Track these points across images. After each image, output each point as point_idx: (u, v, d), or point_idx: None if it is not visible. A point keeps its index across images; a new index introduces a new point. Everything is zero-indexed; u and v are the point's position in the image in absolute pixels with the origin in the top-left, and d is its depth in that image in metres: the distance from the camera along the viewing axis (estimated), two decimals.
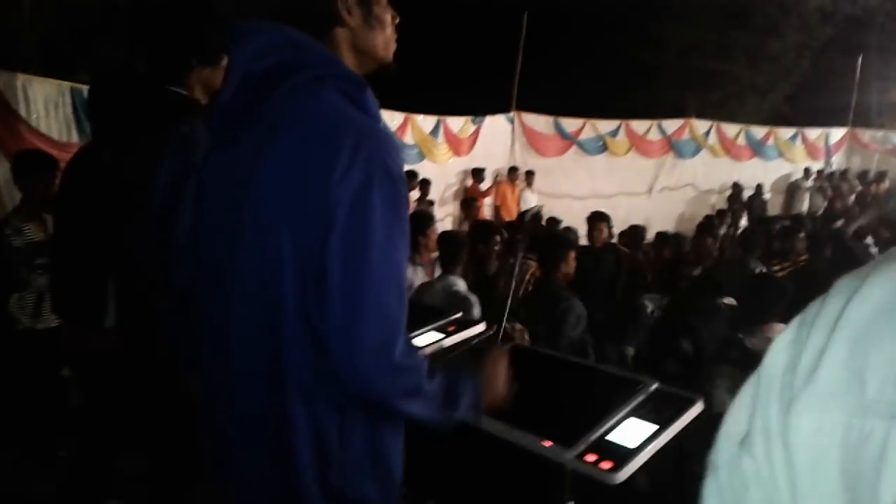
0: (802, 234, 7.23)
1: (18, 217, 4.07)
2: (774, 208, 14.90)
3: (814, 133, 16.49)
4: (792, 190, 15.54)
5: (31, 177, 3.99)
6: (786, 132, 16.13)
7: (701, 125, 14.67)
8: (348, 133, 1.27)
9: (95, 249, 2.75)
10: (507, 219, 11.31)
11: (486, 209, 11.48)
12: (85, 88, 5.57)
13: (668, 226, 12.13)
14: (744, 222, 13.12)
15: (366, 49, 1.46)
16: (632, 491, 1.96)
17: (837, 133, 17.00)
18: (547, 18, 13.30)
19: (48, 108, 5.89)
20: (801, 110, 17.62)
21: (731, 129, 15.22)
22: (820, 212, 14.18)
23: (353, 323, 1.23)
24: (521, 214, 8.71)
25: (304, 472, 1.30)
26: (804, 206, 14.93)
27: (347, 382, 1.27)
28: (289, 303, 1.27)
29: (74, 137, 5.92)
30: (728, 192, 14.49)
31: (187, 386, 1.60)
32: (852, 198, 15.12)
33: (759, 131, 15.74)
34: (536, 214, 8.89)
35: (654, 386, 1.97)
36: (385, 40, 1.48)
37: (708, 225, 7.62)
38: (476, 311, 4.14)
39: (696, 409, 1.86)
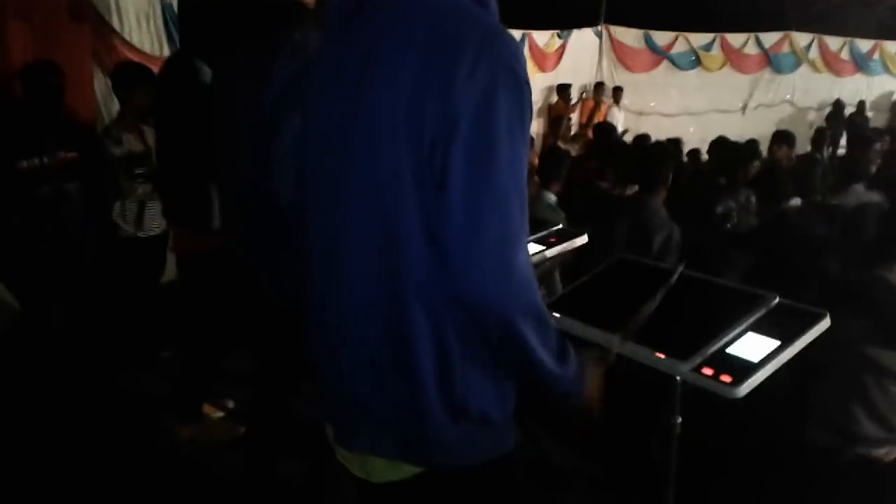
0: (878, 146, 6.73)
1: (118, 128, 4.16)
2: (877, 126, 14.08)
3: None
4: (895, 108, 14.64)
5: (130, 88, 4.07)
6: (893, 46, 15.07)
7: (802, 38, 13.81)
8: (473, 30, 1.20)
9: (199, 157, 2.77)
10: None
11: (573, 127, 11.23)
12: (175, 1, 5.55)
13: (764, 144, 11.64)
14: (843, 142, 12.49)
15: None
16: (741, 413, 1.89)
17: None
18: None
19: (140, 20, 5.89)
20: None
21: (833, 43, 14.30)
22: None
23: (475, 230, 1.18)
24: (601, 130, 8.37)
25: (427, 381, 1.26)
26: None
27: (466, 293, 1.21)
28: (407, 209, 1.22)
29: (166, 51, 5.95)
30: (827, 110, 13.76)
31: (292, 295, 1.59)
32: None
33: (864, 45, 14.74)
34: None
35: (776, 301, 1.88)
36: None
37: (784, 135, 6.91)
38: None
39: (823, 325, 1.77)
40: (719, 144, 7.05)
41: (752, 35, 13.23)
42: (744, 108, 13.50)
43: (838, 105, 13.58)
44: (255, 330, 2.68)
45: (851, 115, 13.58)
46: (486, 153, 1.17)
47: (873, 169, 6.90)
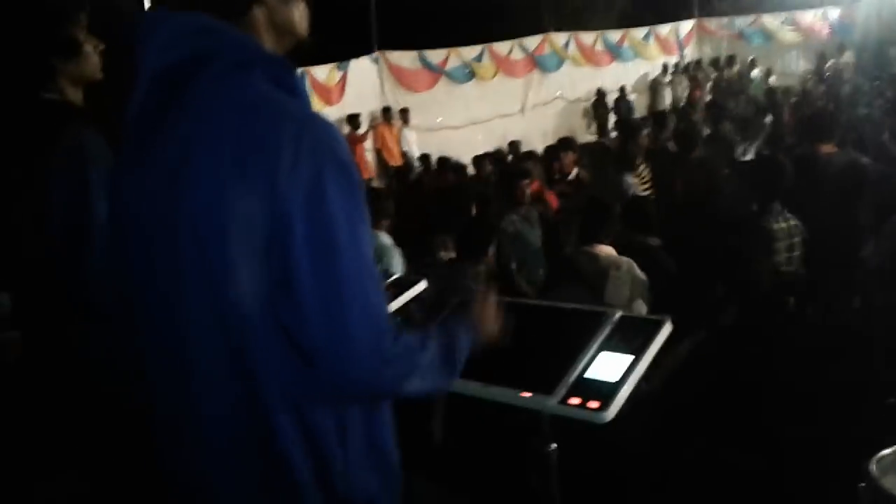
0: (646, 132, 7.33)
1: None
2: (640, 107, 15.34)
3: (665, 29, 17.03)
4: (654, 87, 16.06)
5: None
6: (639, 32, 16.59)
7: (559, 37, 14.84)
8: (287, 122, 1.15)
9: None
10: (391, 161, 11.20)
11: (368, 154, 11.33)
12: None
13: (546, 139, 12.32)
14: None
15: (285, 26, 1.33)
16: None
17: (686, 25, 17.61)
18: None
19: None
20: (650, 9, 18.08)
21: (588, 38, 15.47)
22: (682, 103, 14.77)
23: (339, 327, 1.15)
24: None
25: (305, 485, 1.22)
26: (667, 100, 15.47)
27: (343, 388, 1.20)
28: (254, 316, 1.16)
29: None
30: (593, 99, 14.84)
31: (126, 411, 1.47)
32: (709, 85, 15.81)
33: (614, 35, 16.10)
34: None
35: (618, 314, 1.95)
36: (301, 13, 1.36)
37: (566, 142, 7.31)
38: (399, 263, 4.07)
39: (667, 330, 1.86)
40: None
41: (517, 41, 13.99)
42: (522, 110, 14.24)
43: (601, 93, 14.70)
44: (77, 448, 2.44)
45: (616, 99, 14.74)
46: (327, 247, 1.14)
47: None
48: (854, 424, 2.91)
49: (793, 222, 3.85)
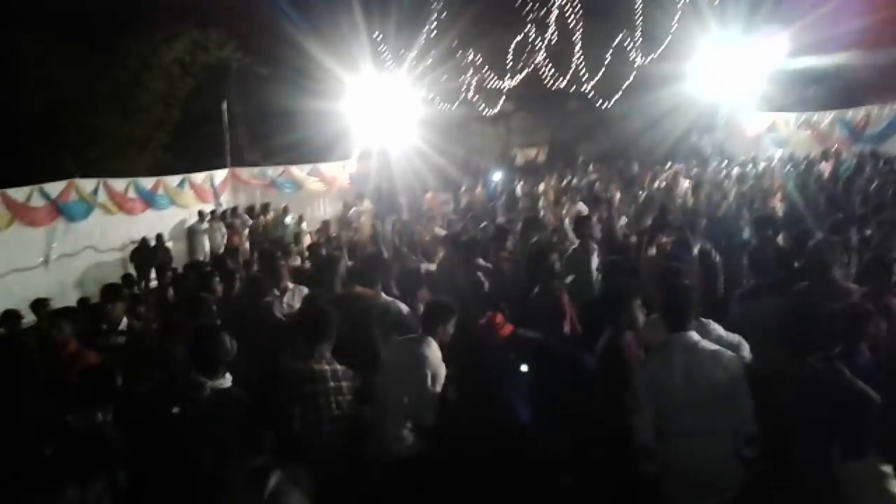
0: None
1: None
2: (179, 255, 14.96)
3: (199, 177, 17.13)
4: (191, 234, 15.92)
5: None
6: (173, 180, 16.38)
7: (87, 184, 13.77)
8: None
9: None
10: None
11: None
12: None
13: (77, 294, 11.23)
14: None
15: None
16: None
17: (221, 174, 17.98)
18: None
19: None
20: (183, 157, 18.15)
21: (118, 184, 14.68)
22: (221, 249, 14.82)
23: None
24: None
25: None
26: (206, 247, 15.40)
27: None
28: None
29: None
30: (131, 248, 14.05)
31: None
32: (246, 231, 16.20)
33: (147, 182, 15.61)
34: None
35: None
36: None
37: (113, 290, 6.74)
38: None
39: None
40: None
41: (36, 187, 12.64)
42: (46, 262, 12.76)
43: (144, 241, 14.00)
44: None
45: (154, 248, 14.09)
46: None
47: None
48: None
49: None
